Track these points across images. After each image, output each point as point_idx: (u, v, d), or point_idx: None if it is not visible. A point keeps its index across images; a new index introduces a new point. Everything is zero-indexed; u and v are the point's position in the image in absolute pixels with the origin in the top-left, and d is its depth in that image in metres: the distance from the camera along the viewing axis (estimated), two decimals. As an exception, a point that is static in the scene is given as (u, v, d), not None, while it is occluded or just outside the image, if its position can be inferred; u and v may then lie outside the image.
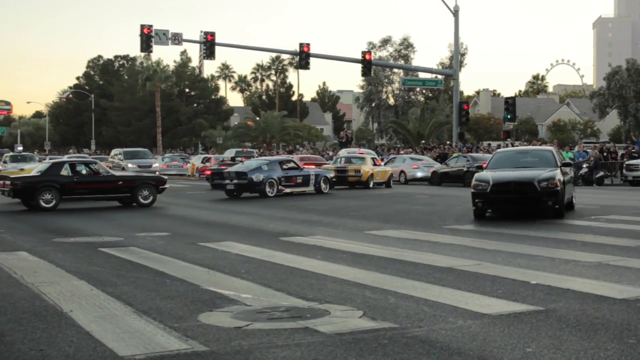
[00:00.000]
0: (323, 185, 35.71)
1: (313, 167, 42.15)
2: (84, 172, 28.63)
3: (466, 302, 9.65)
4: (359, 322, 8.66)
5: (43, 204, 26.72)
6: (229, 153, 61.73)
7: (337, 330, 8.26)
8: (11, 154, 62.43)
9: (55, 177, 27.36)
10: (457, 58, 65.88)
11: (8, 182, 27.12)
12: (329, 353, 7.45)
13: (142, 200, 28.34)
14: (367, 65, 58.34)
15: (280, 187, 33.72)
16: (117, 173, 32.63)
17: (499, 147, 54.37)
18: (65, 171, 27.65)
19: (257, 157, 53.43)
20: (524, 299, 9.80)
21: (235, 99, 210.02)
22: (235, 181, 33.22)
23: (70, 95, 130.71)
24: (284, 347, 7.67)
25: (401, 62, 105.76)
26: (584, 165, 43.29)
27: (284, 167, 34.88)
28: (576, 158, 45.67)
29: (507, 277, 11.50)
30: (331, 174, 37.22)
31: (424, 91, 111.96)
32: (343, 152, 51.51)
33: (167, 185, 30.14)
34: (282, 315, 9.04)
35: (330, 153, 64.66)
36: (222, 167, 40.39)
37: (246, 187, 33.30)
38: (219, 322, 8.74)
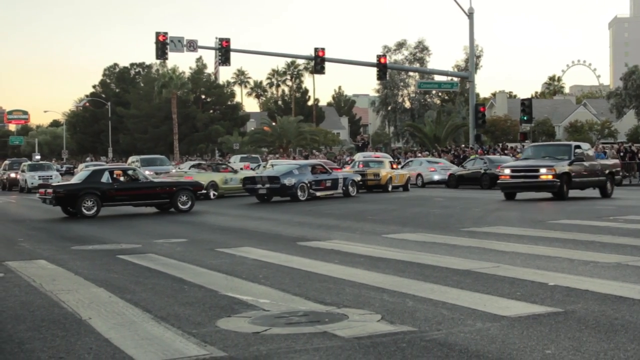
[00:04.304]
0: (351, 189, 36.08)
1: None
2: (123, 179, 28.99)
3: (484, 304, 9.61)
4: (377, 326, 8.64)
5: (85, 211, 27.06)
6: (235, 159, 62.83)
7: (355, 334, 8.24)
8: (29, 162, 62.71)
9: (96, 184, 27.74)
10: (473, 60, 65.76)
11: (50, 190, 27.48)
12: (348, 357, 7.43)
13: (180, 206, 28.63)
14: (382, 68, 58.29)
15: (310, 190, 34.05)
16: (157, 179, 32.89)
17: (515, 149, 54.23)
18: (105, 178, 27.93)
19: (262, 162, 53.86)
20: (542, 301, 9.75)
21: (251, 105, 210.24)
22: (267, 186, 33.66)
23: (87, 104, 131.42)
24: (303, 351, 7.66)
25: (416, 65, 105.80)
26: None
27: (314, 171, 35.22)
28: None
29: (525, 278, 11.45)
30: (358, 178, 37.46)
31: (439, 94, 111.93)
32: (359, 156, 51.56)
33: (204, 191, 30.35)
34: (301, 320, 9.03)
35: (347, 158, 64.66)
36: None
37: (278, 192, 33.71)
38: (238, 327, 8.74)
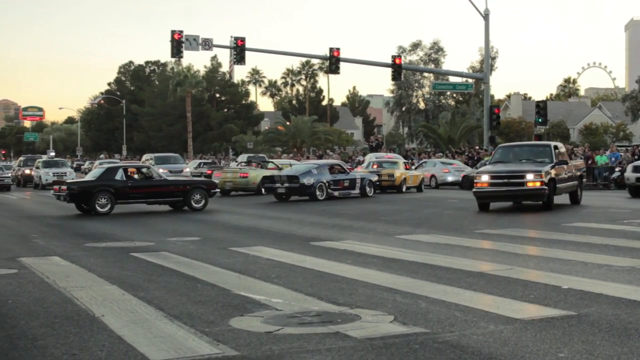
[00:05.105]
0: (368, 189, 36.17)
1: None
2: (137, 176, 29.06)
3: (498, 307, 9.59)
4: (390, 327, 8.63)
5: (99, 208, 27.11)
6: (242, 158, 63.70)
7: (368, 335, 8.24)
8: (44, 159, 62.88)
9: (110, 181, 27.79)
10: (488, 62, 65.54)
11: (64, 187, 27.56)
12: (360, 358, 7.43)
13: (194, 205, 28.66)
14: (397, 69, 58.20)
15: (329, 190, 34.16)
16: (170, 177, 33.01)
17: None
18: (119, 176, 27.99)
19: (267, 161, 54.29)
20: (556, 304, 9.73)
21: (265, 104, 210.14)
22: (286, 185, 33.81)
23: (102, 101, 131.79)
24: (315, 352, 7.66)
25: (431, 66, 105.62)
26: (617, 169, 42.88)
27: (332, 171, 35.36)
28: (609, 159, 45.29)
29: (538, 281, 11.43)
30: (375, 178, 37.51)
31: (454, 95, 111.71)
32: (371, 157, 51.48)
33: (218, 190, 30.41)
34: (313, 320, 9.03)
35: (361, 158, 64.66)
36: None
37: (297, 191, 33.86)
38: (250, 326, 8.75)
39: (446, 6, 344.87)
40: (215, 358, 7.52)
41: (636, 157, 44.89)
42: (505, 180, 25.29)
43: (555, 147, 27.64)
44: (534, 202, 26.60)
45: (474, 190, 26.27)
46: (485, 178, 25.65)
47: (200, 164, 62.81)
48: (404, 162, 44.95)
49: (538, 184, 24.84)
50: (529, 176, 24.94)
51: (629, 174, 33.89)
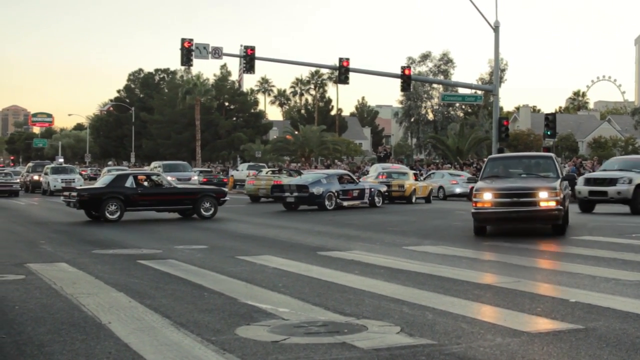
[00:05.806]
0: (377, 199, 36.28)
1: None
2: (147, 184, 29.14)
3: (505, 319, 9.57)
4: (396, 338, 8.61)
5: (108, 215, 27.17)
6: (242, 167, 64.36)
7: (374, 346, 8.22)
8: (52, 165, 63.06)
9: (120, 188, 27.89)
10: (497, 74, 65.37)
11: (74, 194, 27.65)
12: (366, 369, 7.42)
13: (203, 212, 28.75)
14: (406, 80, 58.10)
15: (338, 200, 34.20)
16: (180, 185, 33.10)
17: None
18: (129, 183, 28.05)
19: (267, 169, 54.43)
20: (563, 317, 9.70)
21: (274, 113, 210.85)
22: (295, 194, 33.92)
23: (111, 108, 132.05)
24: (321, 362, 7.66)
25: (441, 77, 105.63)
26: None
27: (342, 180, 35.42)
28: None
29: (546, 294, 11.40)
30: (384, 188, 37.58)
31: (463, 107, 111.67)
32: (378, 167, 51.46)
33: (227, 198, 30.51)
34: (320, 330, 9.02)
35: (368, 168, 64.71)
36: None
37: (306, 200, 33.93)
38: (256, 336, 8.74)
39: (456, 18, 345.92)
40: (222, 367, 7.52)
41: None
42: (514, 199, 20.54)
43: (556, 159, 23.99)
44: (542, 225, 22.42)
45: (473, 211, 21.54)
46: (488, 196, 20.82)
47: (197, 172, 63.36)
48: (414, 173, 45.07)
49: (553, 204, 20.28)
50: (542, 194, 20.30)
51: (581, 187, 30.91)
